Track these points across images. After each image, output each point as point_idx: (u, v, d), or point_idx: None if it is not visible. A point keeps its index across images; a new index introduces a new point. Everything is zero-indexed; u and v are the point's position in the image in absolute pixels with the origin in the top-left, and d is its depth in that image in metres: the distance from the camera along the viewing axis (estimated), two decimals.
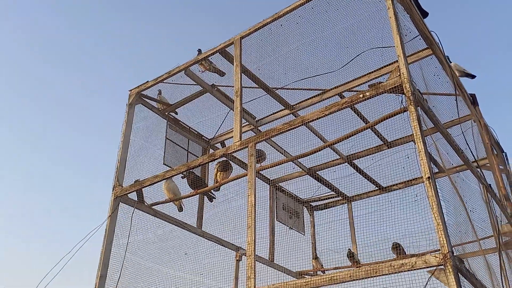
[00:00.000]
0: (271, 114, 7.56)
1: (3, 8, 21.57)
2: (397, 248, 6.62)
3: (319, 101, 7.01)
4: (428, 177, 4.01)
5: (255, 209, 5.10)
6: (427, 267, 3.75)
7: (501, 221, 6.07)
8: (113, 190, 6.59)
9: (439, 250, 3.77)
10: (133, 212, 6.45)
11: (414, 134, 4.29)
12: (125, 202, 6.57)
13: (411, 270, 3.83)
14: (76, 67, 24.14)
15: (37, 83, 23.03)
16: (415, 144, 4.31)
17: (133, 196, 6.64)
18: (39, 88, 23.16)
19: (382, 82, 4.90)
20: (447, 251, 3.65)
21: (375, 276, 4.00)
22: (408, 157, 5.26)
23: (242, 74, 6.32)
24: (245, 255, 5.05)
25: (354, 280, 4.09)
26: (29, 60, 23.34)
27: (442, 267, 3.64)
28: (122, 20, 25.37)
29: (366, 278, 4.04)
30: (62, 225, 22.69)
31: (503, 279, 5.14)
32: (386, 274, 3.95)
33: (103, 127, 24.14)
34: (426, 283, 3.81)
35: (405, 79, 4.55)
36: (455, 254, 3.78)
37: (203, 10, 25.84)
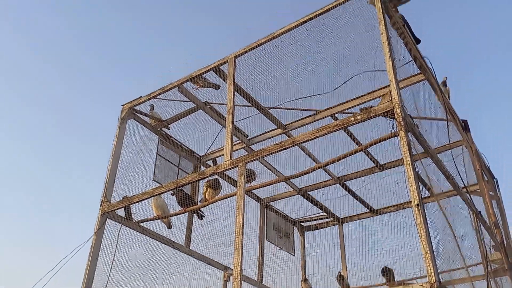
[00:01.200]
0: (264, 133, 7.55)
1: (3, 8, 21.61)
2: (387, 273, 6.54)
3: (311, 122, 7.02)
4: (417, 204, 3.99)
5: (243, 231, 5.04)
6: None
7: (490, 249, 6.03)
8: (100, 206, 6.50)
9: (426, 276, 3.74)
10: (120, 229, 6.36)
11: (404, 160, 4.29)
12: (112, 218, 6.48)
13: None
14: (76, 68, 24.16)
15: (37, 83, 22.98)
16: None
17: (121, 212, 6.55)
18: (39, 89, 23.10)
19: (373, 106, 4.91)
20: (434, 280, 3.61)
21: None
22: (398, 183, 5.24)
23: (235, 92, 6.32)
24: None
25: None
26: (28, 60, 23.33)
27: None
28: (122, 21, 25.42)
29: None
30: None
31: None
32: None
33: (101, 128, 24.00)
34: None
35: (396, 104, 4.56)
36: (442, 281, 3.74)
37: (202, 10, 25.98)
